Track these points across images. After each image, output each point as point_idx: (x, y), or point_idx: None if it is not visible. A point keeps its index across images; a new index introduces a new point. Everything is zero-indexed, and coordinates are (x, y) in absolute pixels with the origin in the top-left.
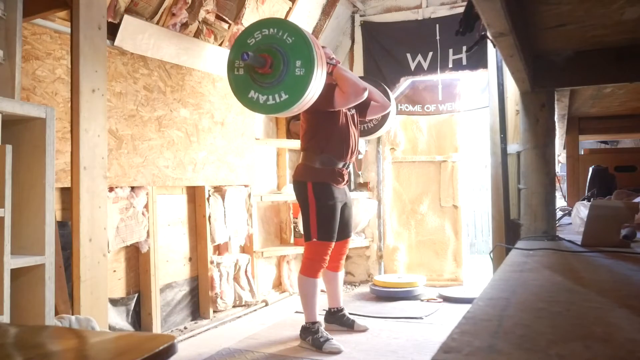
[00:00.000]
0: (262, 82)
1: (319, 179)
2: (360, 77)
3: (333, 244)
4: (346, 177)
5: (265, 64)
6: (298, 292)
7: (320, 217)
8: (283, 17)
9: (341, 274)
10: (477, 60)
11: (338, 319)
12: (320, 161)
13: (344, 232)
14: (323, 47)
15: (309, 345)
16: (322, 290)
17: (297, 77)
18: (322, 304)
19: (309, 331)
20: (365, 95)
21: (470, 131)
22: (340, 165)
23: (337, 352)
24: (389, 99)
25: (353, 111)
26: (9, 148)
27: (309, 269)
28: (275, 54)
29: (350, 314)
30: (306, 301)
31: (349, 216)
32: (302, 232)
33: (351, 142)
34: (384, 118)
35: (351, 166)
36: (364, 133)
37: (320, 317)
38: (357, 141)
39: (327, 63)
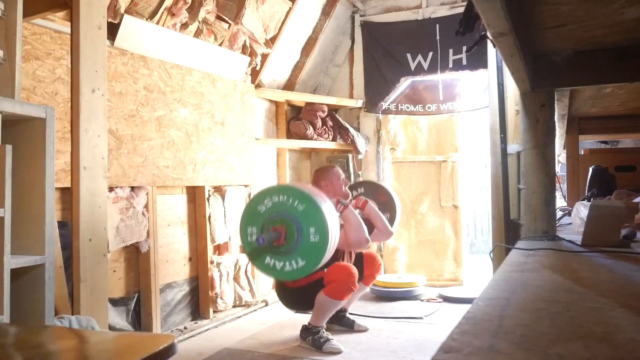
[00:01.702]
0: (277, 250)
1: None
2: (373, 184)
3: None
4: None
5: (279, 237)
6: (315, 302)
7: None
8: (283, 17)
9: (367, 289)
10: (477, 60)
11: (339, 319)
12: None
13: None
14: (332, 167)
15: (309, 345)
16: None
17: (312, 244)
18: None
19: (309, 331)
20: (367, 246)
21: (470, 131)
22: None
23: (337, 352)
24: (394, 216)
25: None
26: (9, 148)
27: (337, 292)
28: (288, 224)
29: (350, 314)
30: (321, 314)
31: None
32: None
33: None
34: (392, 207)
35: (351, 165)
36: None
37: None
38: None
39: (339, 202)
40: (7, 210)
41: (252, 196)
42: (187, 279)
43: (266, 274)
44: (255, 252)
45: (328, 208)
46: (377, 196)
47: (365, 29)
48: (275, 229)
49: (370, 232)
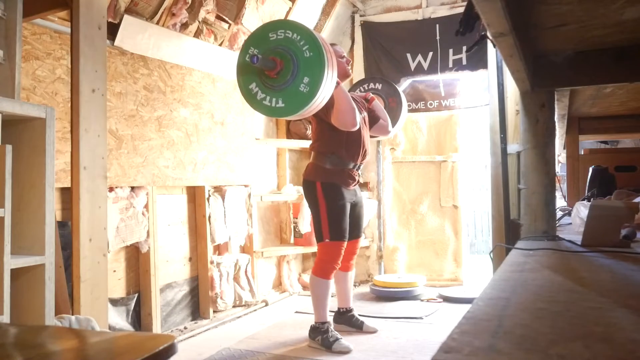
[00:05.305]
0: (266, 81)
1: (328, 180)
2: (392, 87)
3: (345, 243)
4: (357, 179)
5: (274, 69)
6: (309, 291)
7: (331, 217)
8: (283, 17)
9: (351, 274)
10: (477, 60)
11: (347, 319)
12: (330, 162)
13: (355, 232)
14: (333, 44)
15: (318, 345)
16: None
17: (299, 93)
18: (331, 305)
19: (318, 331)
20: (354, 128)
21: (470, 131)
22: (351, 166)
23: (347, 351)
24: (399, 113)
25: (364, 114)
26: (9, 148)
27: (322, 270)
28: (288, 62)
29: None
30: (317, 302)
31: (359, 215)
32: (302, 231)
33: (362, 144)
34: (397, 116)
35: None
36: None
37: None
38: (368, 143)
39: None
40: (7, 210)
41: (270, 21)
42: (187, 279)
43: (246, 100)
44: (246, 70)
45: (330, 74)
46: (389, 100)
47: (365, 29)
48: (273, 59)
49: (371, 127)
